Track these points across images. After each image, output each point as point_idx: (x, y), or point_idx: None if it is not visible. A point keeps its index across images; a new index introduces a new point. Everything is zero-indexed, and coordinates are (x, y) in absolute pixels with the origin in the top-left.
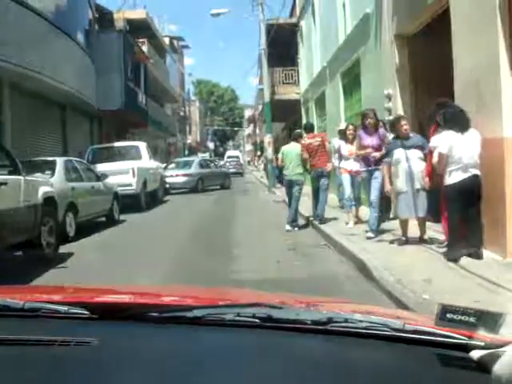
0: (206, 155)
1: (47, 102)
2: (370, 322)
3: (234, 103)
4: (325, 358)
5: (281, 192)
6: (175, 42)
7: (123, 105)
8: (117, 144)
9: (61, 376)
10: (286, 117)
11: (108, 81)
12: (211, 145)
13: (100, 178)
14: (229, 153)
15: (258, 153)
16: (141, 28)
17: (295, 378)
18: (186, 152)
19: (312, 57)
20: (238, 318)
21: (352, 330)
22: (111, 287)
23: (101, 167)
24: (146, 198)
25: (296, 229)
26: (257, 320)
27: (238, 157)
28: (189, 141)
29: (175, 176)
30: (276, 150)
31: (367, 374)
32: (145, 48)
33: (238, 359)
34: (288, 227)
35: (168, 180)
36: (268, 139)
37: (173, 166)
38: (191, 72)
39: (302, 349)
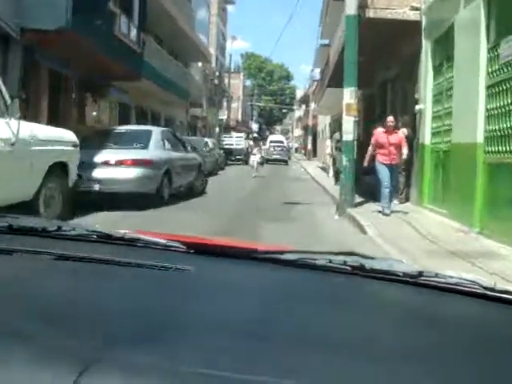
0: (242, 136)
1: None
2: (460, 279)
3: (285, 82)
4: (416, 309)
5: (374, 220)
6: None
7: (69, 23)
8: None
9: (161, 297)
10: (371, 75)
11: None
12: (255, 126)
13: None
14: (272, 137)
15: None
16: None
17: (387, 326)
18: (217, 130)
19: None
20: (329, 264)
21: (442, 284)
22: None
23: None
24: None
25: None
26: (348, 267)
27: (282, 142)
28: (224, 117)
29: (105, 165)
30: (369, 135)
31: (458, 328)
32: None
33: (332, 300)
34: None
35: (86, 174)
36: (350, 97)
37: (98, 141)
38: (234, 35)
39: (394, 298)
